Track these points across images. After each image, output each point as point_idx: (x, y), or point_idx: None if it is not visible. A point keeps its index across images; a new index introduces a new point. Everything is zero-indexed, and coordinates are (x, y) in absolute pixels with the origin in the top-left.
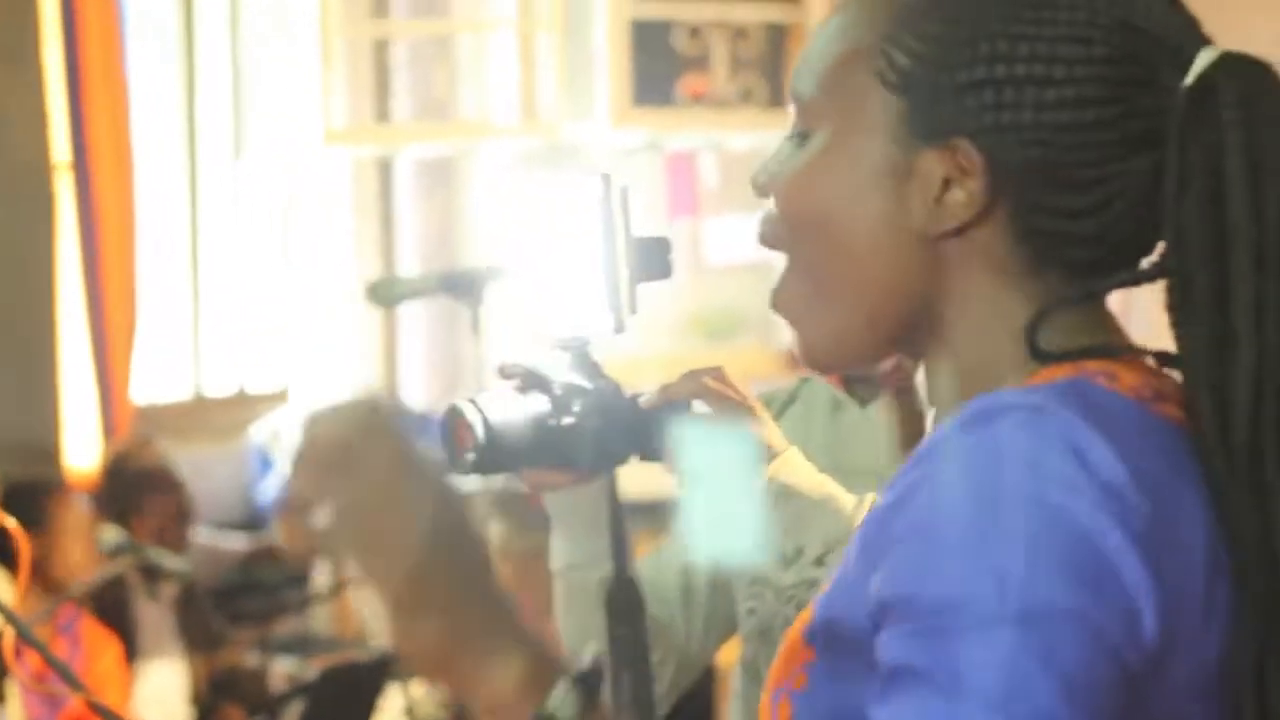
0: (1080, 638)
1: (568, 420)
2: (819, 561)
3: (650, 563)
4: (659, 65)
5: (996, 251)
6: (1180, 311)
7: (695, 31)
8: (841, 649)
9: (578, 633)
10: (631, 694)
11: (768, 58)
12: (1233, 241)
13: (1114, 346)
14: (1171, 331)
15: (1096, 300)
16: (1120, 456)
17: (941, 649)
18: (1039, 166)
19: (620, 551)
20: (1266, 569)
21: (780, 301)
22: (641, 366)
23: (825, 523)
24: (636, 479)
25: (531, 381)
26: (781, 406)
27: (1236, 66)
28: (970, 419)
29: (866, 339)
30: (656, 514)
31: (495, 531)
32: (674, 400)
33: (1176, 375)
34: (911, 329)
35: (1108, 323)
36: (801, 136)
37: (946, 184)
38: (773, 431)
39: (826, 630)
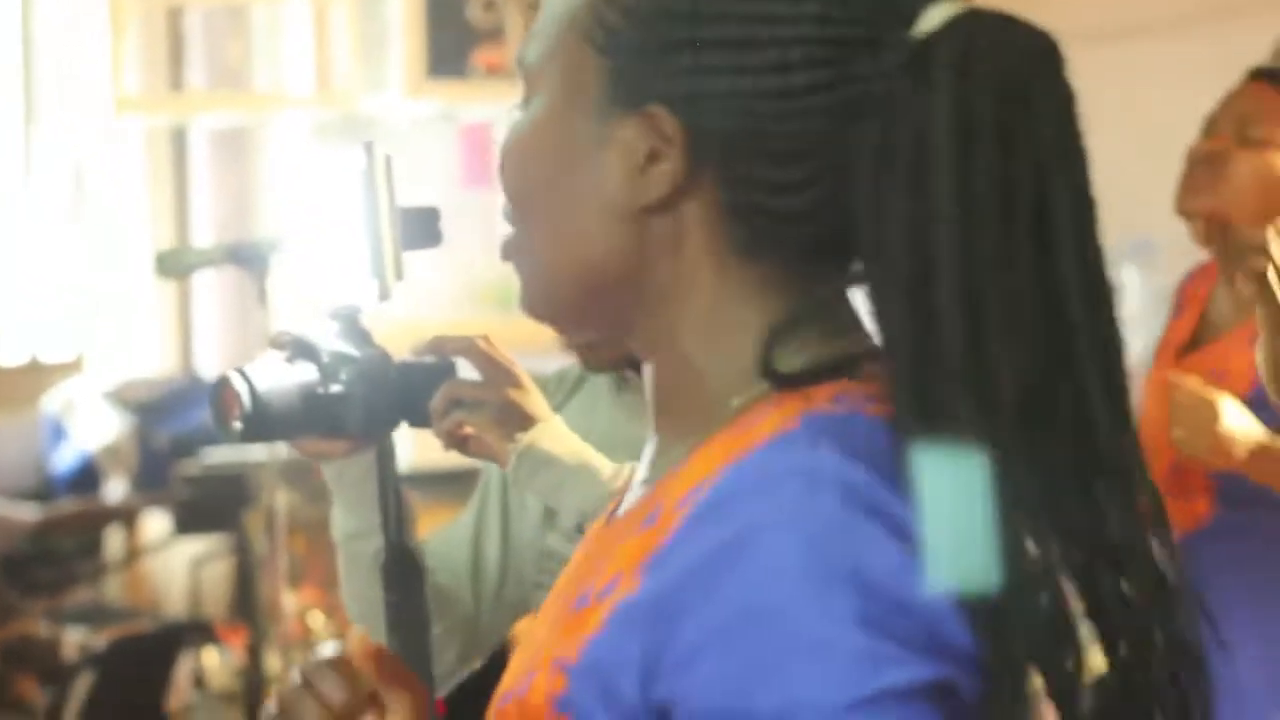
0: (927, 707)
1: (335, 388)
2: (579, 530)
3: (441, 535)
4: (453, 37)
5: (705, 230)
6: (878, 302)
7: (489, 4)
8: (600, 713)
9: (358, 603)
10: (407, 663)
11: None
12: (935, 225)
13: (855, 354)
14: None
15: (831, 292)
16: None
17: None
18: (743, 137)
19: (390, 520)
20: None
21: (508, 255)
22: (433, 335)
23: (582, 492)
24: (427, 449)
25: (300, 350)
26: (573, 385)
27: (966, 24)
28: (767, 489)
29: (588, 311)
30: (446, 484)
31: (285, 501)
32: (443, 352)
33: None
34: (632, 310)
35: (844, 312)
36: (525, 105)
37: (652, 155)
38: (534, 400)
39: (585, 697)
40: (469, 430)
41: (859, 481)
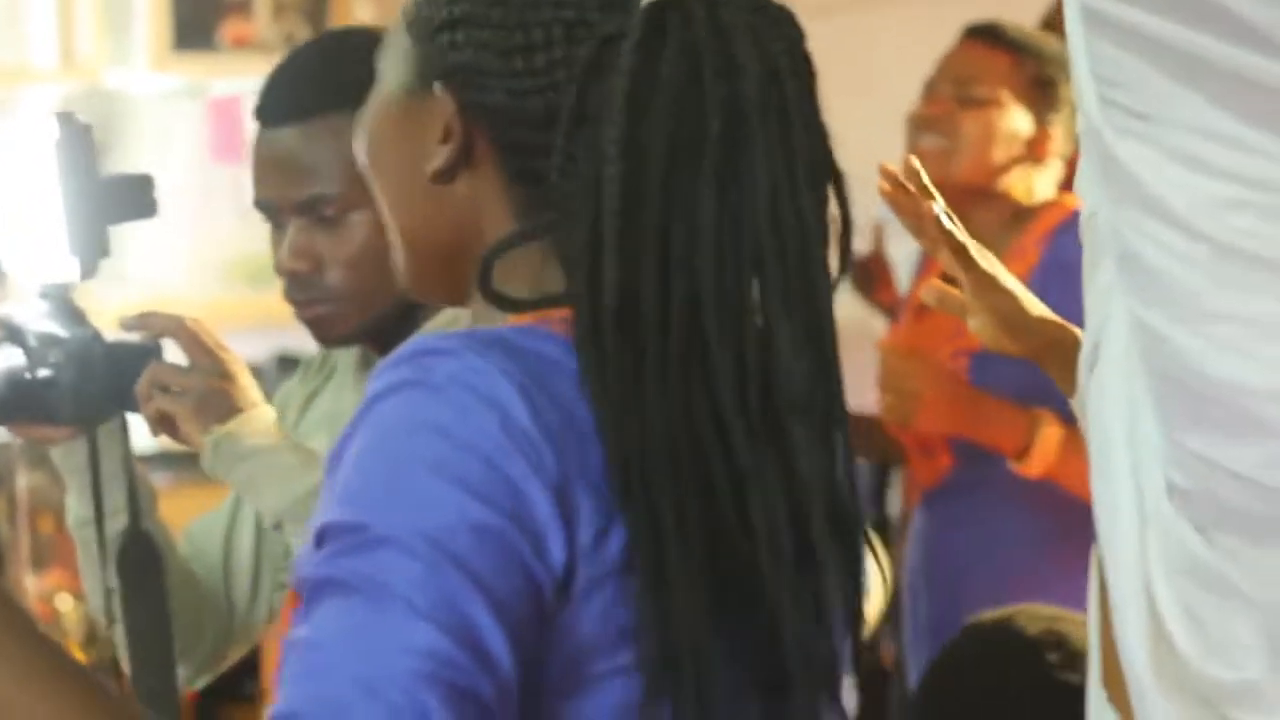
0: (490, 548)
1: (43, 373)
2: (276, 529)
3: (200, 523)
4: (200, 9)
5: (495, 195)
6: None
7: None
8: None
9: (95, 589)
10: (143, 653)
11: (310, 2)
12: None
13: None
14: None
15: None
16: (533, 409)
17: (364, 561)
18: (505, 109)
19: (100, 505)
20: (639, 489)
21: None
22: (183, 311)
23: (279, 488)
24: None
25: (7, 334)
26: (331, 367)
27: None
28: (399, 361)
29: (439, 280)
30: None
31: (30, 482)
32: (150, 329)
33: None
34: (466, 276)
35: None
36: None
37: (446, 130)
38: (240, 387)
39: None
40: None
41: (485, 369)
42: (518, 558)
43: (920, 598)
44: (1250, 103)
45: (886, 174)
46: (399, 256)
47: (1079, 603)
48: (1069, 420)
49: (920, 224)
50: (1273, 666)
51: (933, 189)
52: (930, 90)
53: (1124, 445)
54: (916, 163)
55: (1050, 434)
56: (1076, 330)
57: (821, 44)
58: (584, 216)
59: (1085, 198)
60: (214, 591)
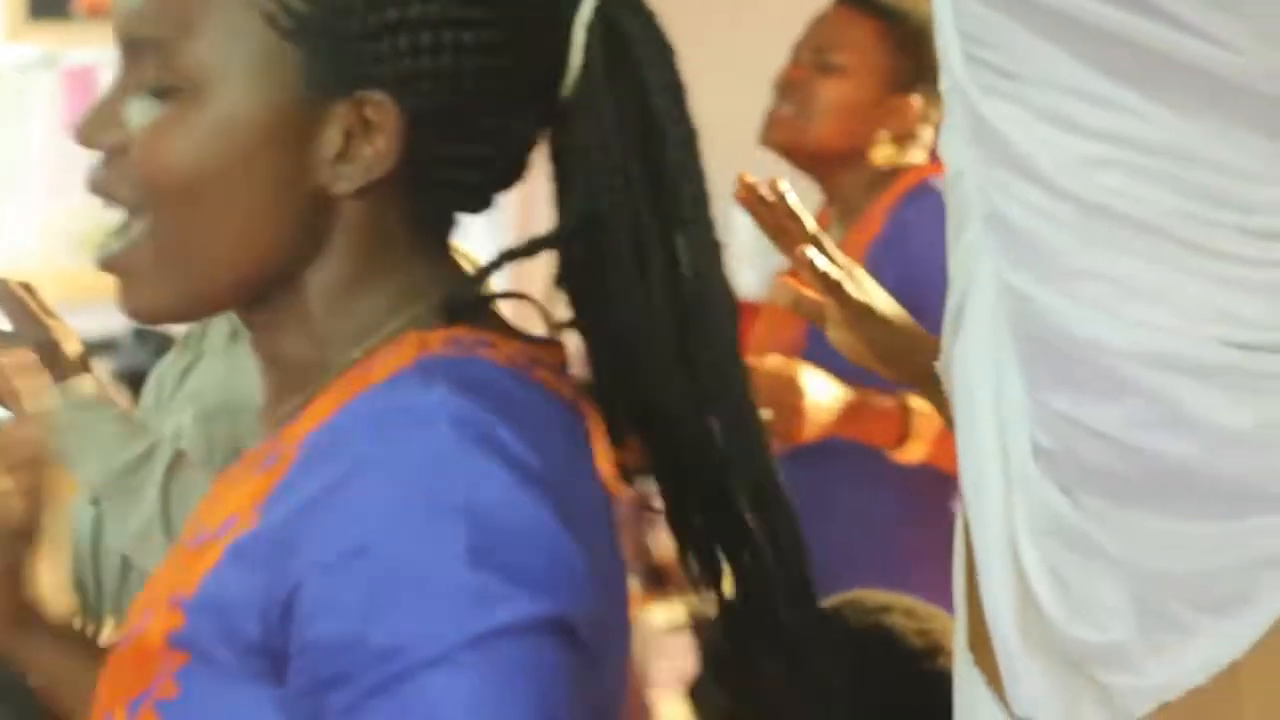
0: (544, 642)
1: None
2: (94, 503)
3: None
4: None
5: (392, 206)
6: (596, 272)
7: None
8: (220, 650)
9: None
10: None
11: None
12: (675, 187)
13: (486, 297)
14: (570, 295)
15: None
16: (532, 446)
17: (406, 699)
18: (449, 115)
19: None
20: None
21: (120, 261)
22: (39, 283)
23: (95, 463)
24: None
25: None
26: (196, 342)
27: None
28: (376, 426)
29: (223, 300)
30: None
31: None
32: None
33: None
34: (271, 286)
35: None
36: (163, 90)
37: (348, 139)
38: (65, 357)
39: (202, 633)
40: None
41: (470, 414)
42: (570, 639)
43: None
44: (1118, 60)
45: (744, 185)
46: (191, 282)
47: (926, 569)
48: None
49: (782, 240)
50: (1139, 627)
51: (799, 211)
52: (793, 55)
53: (990, 407)
54: (785, 185)
55: (923, 414)
56: (872, 395)
57: (722, 13)
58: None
59: (950, 157)
60: (84, 584)
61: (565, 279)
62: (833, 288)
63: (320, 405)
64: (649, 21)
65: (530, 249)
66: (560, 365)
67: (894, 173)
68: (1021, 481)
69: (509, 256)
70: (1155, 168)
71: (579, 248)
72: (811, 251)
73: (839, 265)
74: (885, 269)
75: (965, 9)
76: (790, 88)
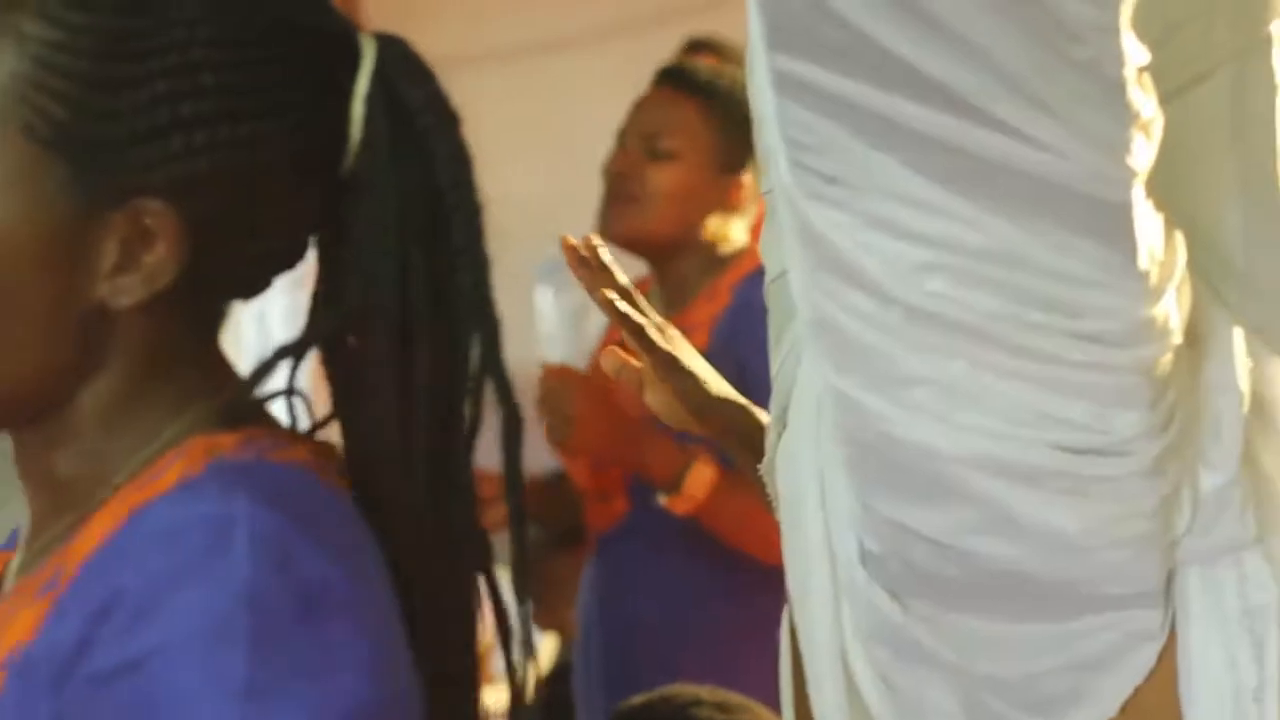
0: None
1: None
2: None
3: None
4: None
5: (173, 313)
6: (367, 365)
7: None
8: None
9: None
10: None
11: None
12: (455, 271)
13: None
14: (343, 389)
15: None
16: (331, 557)
17: None
18: (231, 214)
19: None
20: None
21: None
22: None
23: None
24: None
25: None
26: None
27: (403, 58)
28: (172, 540)
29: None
30: None
31: None
32: None
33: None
34: (45, 409)
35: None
36: None
37: (126, 250)
38: None
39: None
40: None
41: (269, 529)
42: None
43: (593, 651)
44: (942, 165)
45: (566, 247)
46: None
47: (749, 653)
48: (727, 464)
49: (601, 297)
50: None
51: (611, 266)
52: (620, 142)
53: (816, 511)
54: (596, 240)
55: (703, 472)
56: (758, 412)
57: (523, 89)
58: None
59: (770, 258)
60: None
61: (330, 367)
62: (636, 331)
63: (99, 521)
64: (433, 90)
65: (305, 344)
66: (339, 462)
67: (733, 254)
68: (849, 586)
69: (285, 353)
70: (982, 273)
71: (348, 337)
72: (624, 305)
73: (652, 320)
74: (730, 346)
75: (790, 115)
76: (621, 178)
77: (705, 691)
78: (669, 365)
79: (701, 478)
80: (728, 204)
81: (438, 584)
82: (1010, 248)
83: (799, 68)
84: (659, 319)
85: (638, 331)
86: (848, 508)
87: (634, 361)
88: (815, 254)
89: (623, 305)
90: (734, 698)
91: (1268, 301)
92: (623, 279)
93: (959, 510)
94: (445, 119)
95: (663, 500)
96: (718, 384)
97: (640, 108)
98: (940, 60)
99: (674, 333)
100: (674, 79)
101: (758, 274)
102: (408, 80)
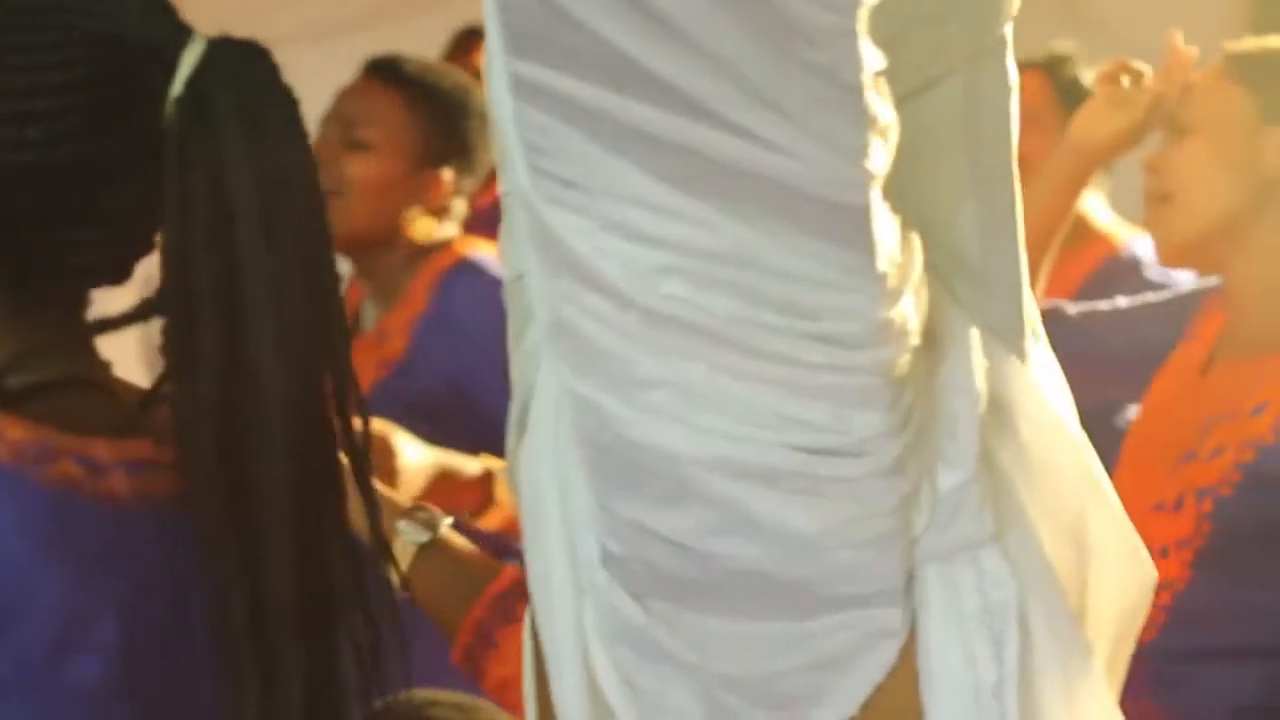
0: None
1: None
2: None
3: None
4: None
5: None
6: (179, 356)
7: None
8: None
9: None
10: None
11: None
12: (245, 274)
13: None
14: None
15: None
16: None
17: None
18: (41, 208)
19: None
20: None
21: None
22: None
23: None
24: None
25: None
26: None
27: (228, 62)
28: None
29: None
30: None
31: None
32: None
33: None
34: None
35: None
36: None
37: None
38: None
39: None
40: None
41: None
42: None
43: None
44: (678, 168)
45: None
46: None
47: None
48: None
49: None
50: None
51: None
52: (320, 130)
53: (556, 514)
54: None
55: (504, 485)
56: (460, 460)
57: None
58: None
59: (510, 260)
60: None
61: (162, 350)
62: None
63: None
64: (253, 93)
65: (108, 325)
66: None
67: (431, 249)
68: (591, 587)
69: (101, 328)
70: (719, 275)
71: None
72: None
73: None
74: (435, 347)
75: (528, 119)
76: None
77: (444, 694)
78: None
79: (504, 490)
80: (427, 199)
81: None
82: (747, 250)
83: (536, 72)
84: None
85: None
86: (588, 510)
87: None
88: (553, 257)
89: None
90: (469, 699)
91: (1002, 302)
92: None
93: (698, 512)
94: (258, 125)
95: (479, 521)
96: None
97: (342, 97)
98: (676, 64)
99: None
100: (381, 70)
101: (453, 274)
102: (226, 84)
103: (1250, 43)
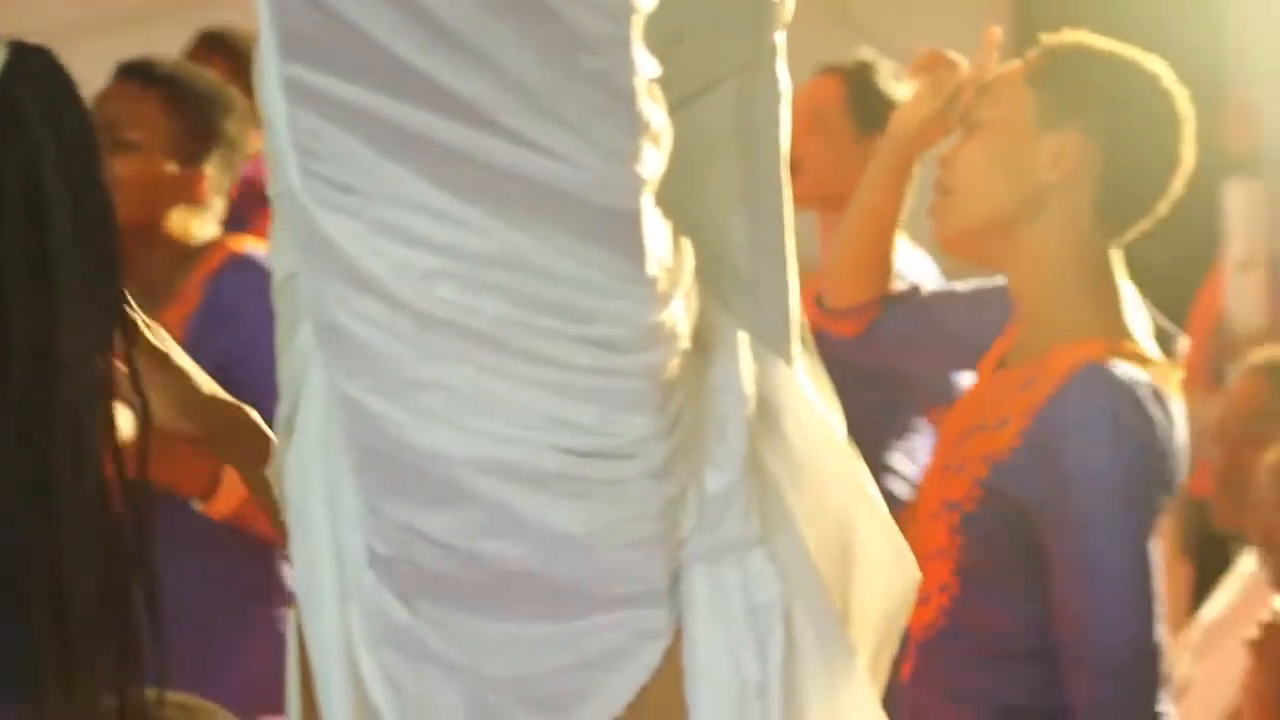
0: None
1: None
2: None
3: None
4: None
5: None
6: None
7: None
8: None
9: None
10: None
11: None
12: (59, 269)
13: None
14: None
15: None
16: None
17: None
18: None
19: None
20: None
21: None
22: None
23: None
24: None
25: None
26: None
27: (31, 65)
28: None
29: None
30: None
31: None
32: None
33: None
34: None
35: None
36: None
37: None
38: None
39: None
40: None
41: None
42: None
43: None
44: (453, 173)
45: None
46: None
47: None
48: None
49: None
50: None
51: None
52: None
53: (324, 515)
54: None
55: (234, 472)
56: (249, 411)
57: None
58: None
59: (279, 260)
60: None
61: None
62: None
63: None
64: (55, 96)
65: None
66: None
67: (203, 248)
68: (357, 589)
69: None
70: (491, 279)
71: None
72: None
73: (140, 317)
74: (207, 339)
75: (301, 123)
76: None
77: (172, 695)
78: (158, 362)
79: (233, 479)
80: (191, 196)
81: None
82: (519, 254)
83: (309, 75)
84: (146, 317)
85: (130, 327)
86: (356, 512)
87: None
88: (325, 260)
89: None
90: (193, 700)
91: (770, 307)
92: None
93: (467, 513)
94: (63, 123)
95: (199, 507)
96: (209, 384)
97: (101, 100)
98: (452, 70)
99: (163, 332)
100: (135, 72)
101: (226, 269)
102: (34, 85)
103: (1049, 40)
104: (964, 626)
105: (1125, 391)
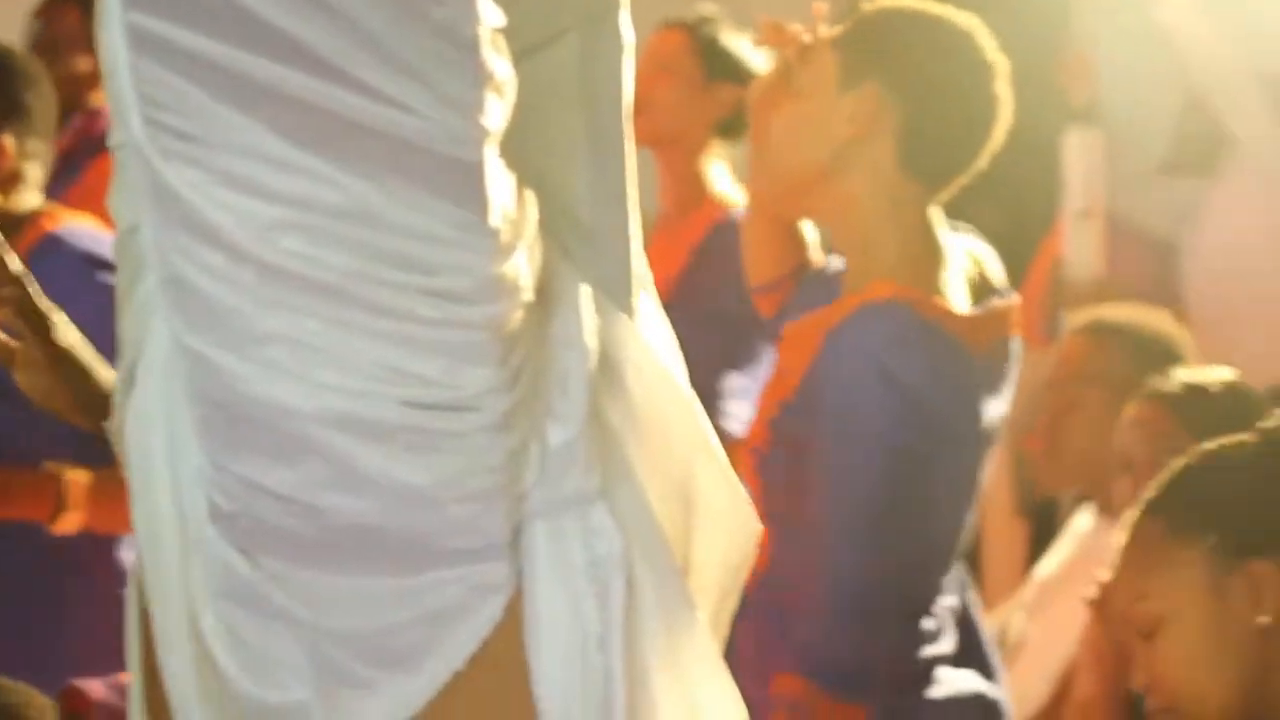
0: None
1: None
2: None
3: None
4: None
5: None
6: None
7: None
8: None
9: None
10: None
11: None
12: None
13: None
14: None
15: None
16: None
17: None
18: None
19: None
20: None
21: None
22: None
23: None
24: None
25: None
26: None
27: None
28: None
29: None
30: None
31: None
32: None
33: None
34: None
35: None
36: None
37: None
38: None
39: None
40: None
41: None
42: None
43: None
44: (302, 125)
45: None
46: None
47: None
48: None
49: None
50: (318, 686)
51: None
52: None
53: (165, 470)
54: None
55: (76, 483)
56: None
57: None
58: None
59: (121, 214)
60: None
61: None
62: (35, 327)
63: None
64: None
65: None
66: None
67: (16, 223)
68: (199, 544)
69: None
70: (336, 231)
71: None
72: (13, 290)
73: (41, 306)
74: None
75: (145, 72)
76: None
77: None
78: (61, 357)
79: (78, 490)
80: None
81: None
82: (365, 206)
83: (154, 25)
84: (48, 303)
85: (34, 325)
86: (198, 466)
87: (7, 341)
88: (168, 211)
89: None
90: (25, 688)
91: (612, 259)
92: (16, 265)
93: (309, 466)
94: None
95: (53, 529)
96: (109, 376)
97: None
98: (299, 20)
99: (63, 317)
100: None
101: (38, 252)
102: None
103: (865, 5)
104: (773, 569)
105: (894, 334)
